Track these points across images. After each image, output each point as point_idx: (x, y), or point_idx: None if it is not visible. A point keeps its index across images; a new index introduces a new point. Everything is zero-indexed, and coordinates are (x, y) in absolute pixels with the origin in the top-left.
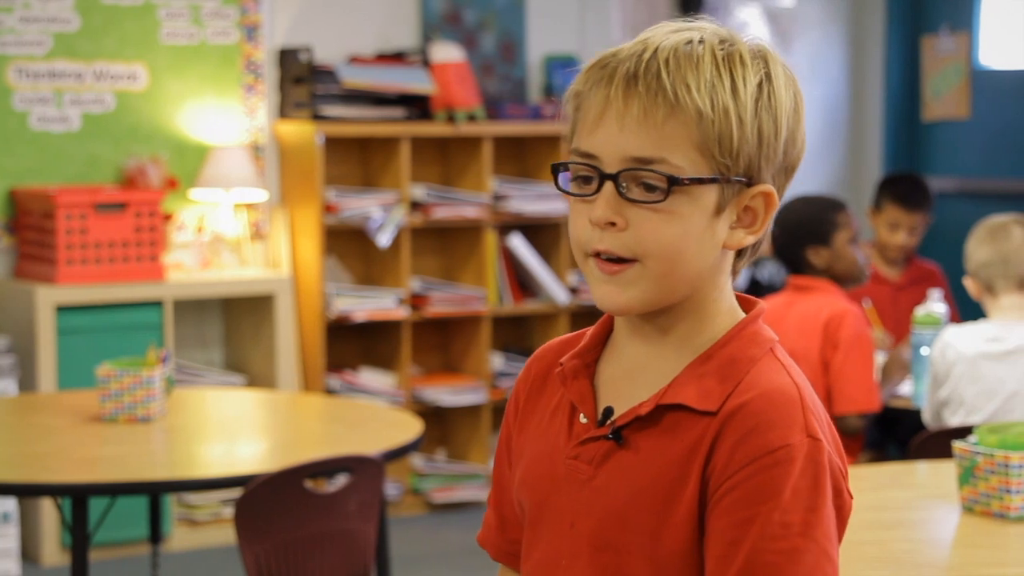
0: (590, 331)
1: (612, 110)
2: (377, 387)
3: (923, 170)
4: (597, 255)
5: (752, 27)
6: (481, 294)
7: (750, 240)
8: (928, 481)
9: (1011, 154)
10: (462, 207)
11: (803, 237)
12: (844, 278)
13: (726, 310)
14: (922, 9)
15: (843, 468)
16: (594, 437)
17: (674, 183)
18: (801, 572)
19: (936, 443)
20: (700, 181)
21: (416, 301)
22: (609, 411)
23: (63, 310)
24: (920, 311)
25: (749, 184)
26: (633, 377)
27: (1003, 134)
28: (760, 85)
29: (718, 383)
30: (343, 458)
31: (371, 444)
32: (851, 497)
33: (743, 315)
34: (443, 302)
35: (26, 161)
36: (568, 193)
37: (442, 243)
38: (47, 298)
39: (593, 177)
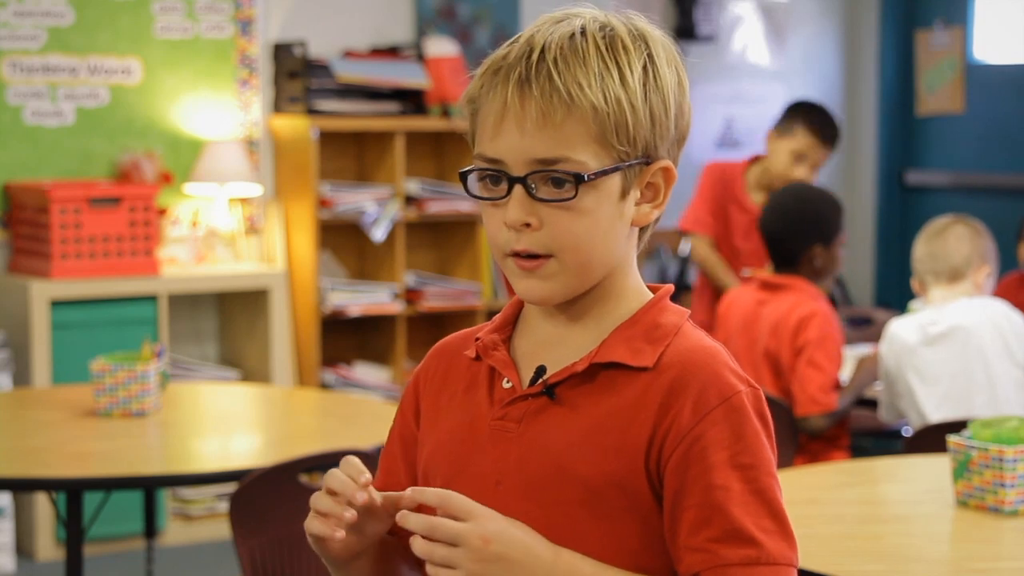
0: (497, 316)
1: (510, 115)
2: (372, 381)
3: (917, 164)
4: (515, 254)
5: (747, 22)
6: (476, 288)
7: (656, 214)
8: (923, 475)
9: (1005, 148)
10: (456, 201)
11: (812, 234)
12: (822, 278)
13: (635, 287)
14: (916, 3)
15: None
16: (523, 396)
17: (581, 180)
18: (777, 495)
19: (931, 437)
20: (604, 173)
21: (411, 295)
22: (542, 369)
23: (57, 304)
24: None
25: (648, 163)
26: (552, 348)
27: (997, 128)
28: (645, 68)
29: (647, 343)
30: (338, 452)
31: (366, 438)
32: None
33: (650, 294)
34: (438, 296)
35: (20, 155)
36: (479, 197)
37: (436, 237)
38: (41, 292)
39: (502, 179)
